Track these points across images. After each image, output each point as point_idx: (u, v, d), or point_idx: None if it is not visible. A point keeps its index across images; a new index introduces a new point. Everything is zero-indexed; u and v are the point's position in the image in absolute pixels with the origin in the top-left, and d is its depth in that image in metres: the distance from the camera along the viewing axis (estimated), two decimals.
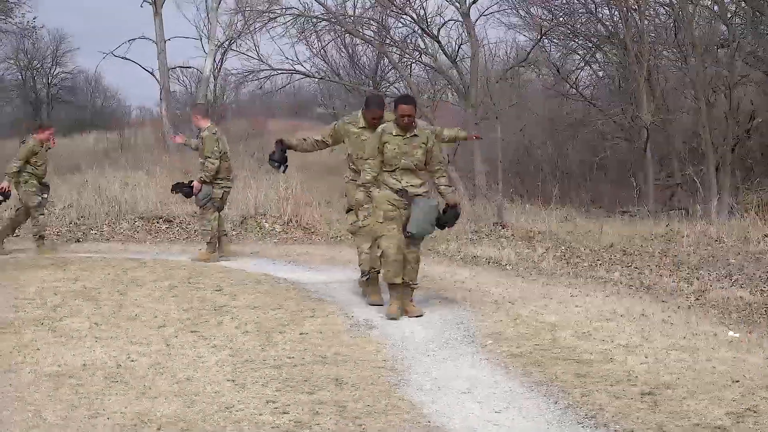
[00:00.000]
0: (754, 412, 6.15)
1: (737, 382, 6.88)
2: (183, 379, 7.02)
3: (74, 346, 8.06)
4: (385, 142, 9.37)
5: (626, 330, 8.74)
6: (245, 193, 19.66)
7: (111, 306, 9.84)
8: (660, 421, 5.99)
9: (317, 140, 10.67)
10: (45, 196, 15.32)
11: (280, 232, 17.82)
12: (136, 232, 17.90)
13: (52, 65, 44.85)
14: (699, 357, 7.67)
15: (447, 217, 9.66)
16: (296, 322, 9.16)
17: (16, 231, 15.66)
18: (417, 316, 9.36)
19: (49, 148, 15.34)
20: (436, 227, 9.62)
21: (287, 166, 10.64)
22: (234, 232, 17.63)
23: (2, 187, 14.84)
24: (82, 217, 18.68)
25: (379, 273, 10.03)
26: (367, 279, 10.36)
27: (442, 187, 9.63)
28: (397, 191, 9.35)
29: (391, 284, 9.46)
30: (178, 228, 18.24)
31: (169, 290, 10.85)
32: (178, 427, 5.92)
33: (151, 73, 33.16)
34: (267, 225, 18.38)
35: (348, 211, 10.70)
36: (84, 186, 21.16)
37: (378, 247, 9.53)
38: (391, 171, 9.42)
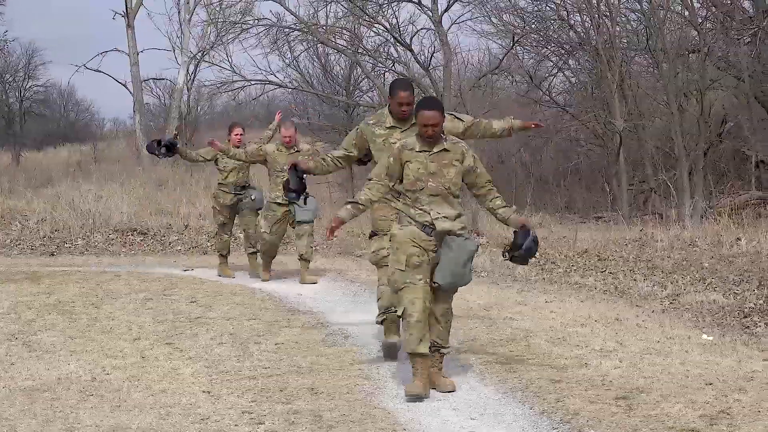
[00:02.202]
0: (728, 414, 6.19)
1: (711, 384, 6.92)
2: (158, 392, 7.01)
3: (49, 360, 8.04)
4: (406, 161, 7.06)
5: (601, 335, 8.78)
6: None
7: (85, 319, 9.81)
8: (635, 424, 6.02)
9: (338, 157, 8.23)
10: (253, 198, 13.63)
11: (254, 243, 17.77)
12: (110, 245, 17.85)
13: (24, 78, 44.64)
14: (673, 360, 7.71)
15: (521, 248, 7.28)
16: (272, 332, 9.17)
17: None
18: (449, 392, 7.05)
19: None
20: (469, 273, 7.24)
21: (308, 194, 8.52)
22: (208, 244, 17.61)
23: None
24: (55, 230, 18.62)
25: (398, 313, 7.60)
26: (383, 320, 8.23)
27: (500, 210, 7.25)
28: (424, 226, 7.01)
29: (414, 354, 7.02)
30: (152, 240, 18.20)
31: (144, 303, 10.84)
32: None
33: (124, 86, 33.07)
34: (241, 236, 18.34)
35: (372, 236, 8.39)
36: (57, 199, 21.10)
37: (399, 300, 7.15)
38: (415, 199, 7.05)
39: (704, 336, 8.73)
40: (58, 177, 26.52)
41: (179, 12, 33.12)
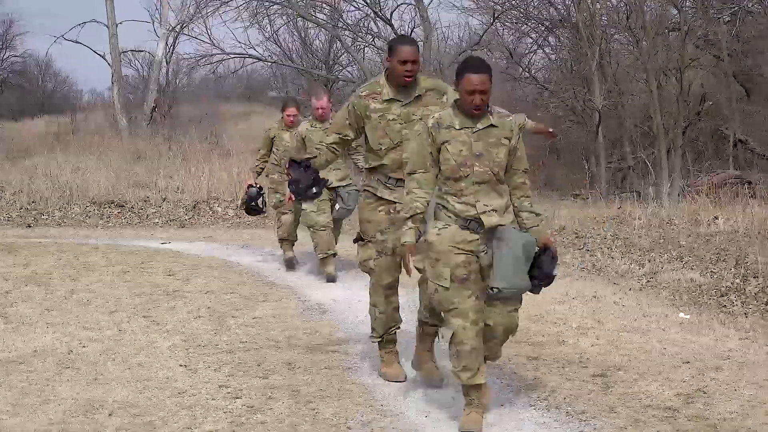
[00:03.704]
0: (704, 393, 6.22)
1: (687, 363, 6.95)
2: (135, 365, 6.99)
3: (25, 332, 8.00)
4: (444, 142, 5.60)
5: (578, 312, 8.80)
6: (197, 178, 19.60)
7: (62, 291, 9.76)
8: (611, 402, 6.04)
9: (333, 143, 6.83)
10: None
11: (232, 216, 17.76)
12: (87, 217, 17.77)
13: (1, 48, 44.47)
14: (650, 339, 7.74)
15: (541, 267, 5.66)
16: (249, 306, 9.15)
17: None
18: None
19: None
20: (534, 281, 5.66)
21: (325, 182, 7.17)
22: (186, 217, 17.56)
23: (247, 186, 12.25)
24: (32, 202, 18.52)
25: (397, 329, 6.90)
26: (379, 342, 6.91)
27: (525, 213, 5.73)
28: (468, 221, 5.59)
29: (470, 386, 5.74)
30: (130, 213, 18.12)
31: (122, 275, 10.79)
32: (130, 412, 5.90)
33: (103, 57, 32.82)
34: (219, 209, 18.30)
35: (357, 240, 6.88)
36: (35, 170, 20.99)
37: (447, 323, 5.71)
38: (458, 189, 5.61)
39: (681, 314, 8.76)
40: (35, 148, 26.35)
41: None
